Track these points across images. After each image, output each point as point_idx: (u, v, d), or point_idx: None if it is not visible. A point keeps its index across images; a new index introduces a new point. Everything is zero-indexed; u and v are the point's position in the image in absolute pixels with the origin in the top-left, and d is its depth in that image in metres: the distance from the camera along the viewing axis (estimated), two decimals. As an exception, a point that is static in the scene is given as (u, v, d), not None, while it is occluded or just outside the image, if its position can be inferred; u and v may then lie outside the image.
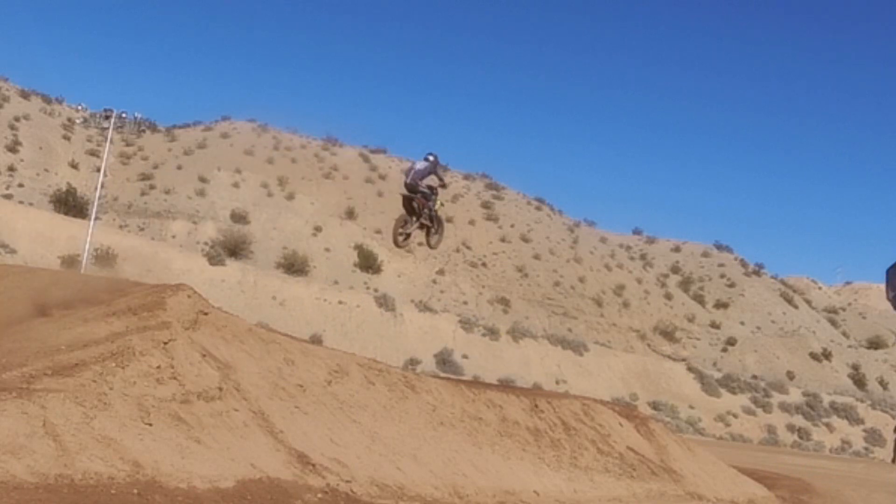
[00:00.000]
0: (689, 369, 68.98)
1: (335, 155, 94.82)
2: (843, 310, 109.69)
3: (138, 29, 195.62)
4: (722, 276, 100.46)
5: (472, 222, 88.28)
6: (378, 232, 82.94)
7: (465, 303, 75.97)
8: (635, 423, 17.19)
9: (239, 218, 76.43)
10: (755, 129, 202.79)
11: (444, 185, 15.60)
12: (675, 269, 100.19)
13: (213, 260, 55.78)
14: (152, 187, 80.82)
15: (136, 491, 7.54)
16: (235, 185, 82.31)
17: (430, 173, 15.11)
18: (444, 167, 16.31)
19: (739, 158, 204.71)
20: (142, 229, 71.52)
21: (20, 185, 76.87)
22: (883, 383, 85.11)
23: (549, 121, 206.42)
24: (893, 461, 41.69)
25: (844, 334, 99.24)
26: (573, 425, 15.29)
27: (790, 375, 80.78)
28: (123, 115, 55.64)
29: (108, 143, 51.90)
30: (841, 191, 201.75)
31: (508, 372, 54.47)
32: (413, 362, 50.23)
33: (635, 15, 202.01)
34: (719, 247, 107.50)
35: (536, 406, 15.12)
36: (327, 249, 76.97)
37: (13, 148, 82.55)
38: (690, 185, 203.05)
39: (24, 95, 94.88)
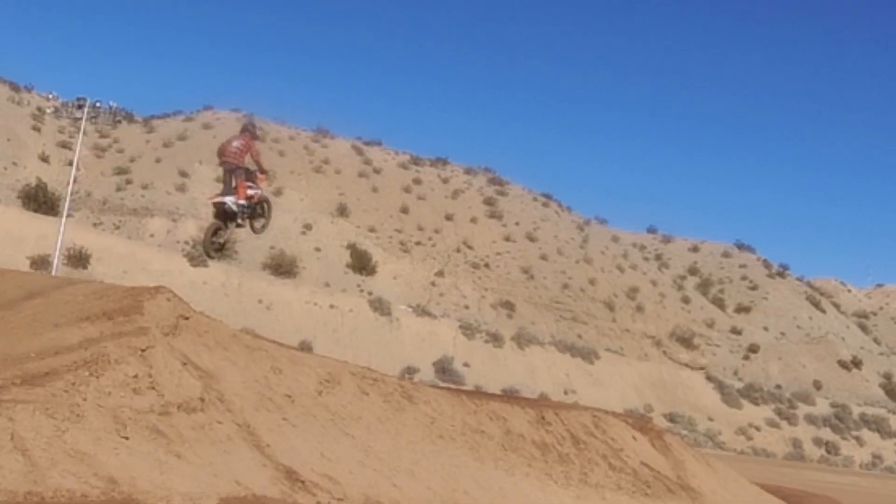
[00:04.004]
0: (708, 378, 69.02)
1: (326, 147, 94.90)
2: (875, 314, 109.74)
3: (114, 12, 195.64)
4: (743, 277, 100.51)
5: (473, 220, 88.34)
6: (372, 230, 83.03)
7: (467, 307, 76.01)
8: (650, 436, 17.22)
9: (222, 215, 76.45)
10: (779, 120, 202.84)
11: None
12: (693, 271, 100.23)
13: (195, 260, 55.77)
14: (129, 182, 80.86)
15: (111, 509, 7.55)
16: (219, 179, 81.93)
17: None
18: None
19: (762, 151, 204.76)
20: (117, 227, 71.53)
21: (-14, 180, 76.94)
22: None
23: (557, 110, 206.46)
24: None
25: (876, 340, 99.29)
26: (583, 439, 15.31)
27: (817, 385, 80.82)
28: (98, 105, 55.64)
29: (80, 135, 51.93)
30: (872, 186, 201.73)
31: (513, 381, 54.50)
32: (410, 371, 50.25)
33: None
34: (741, 246, 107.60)
35: (543, 418, 15.14)
36: (318, 249, 77.00)
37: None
38: (709, 179, 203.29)
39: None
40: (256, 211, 14.35)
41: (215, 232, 14.17)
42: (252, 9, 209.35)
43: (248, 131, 14.42)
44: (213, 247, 14.30)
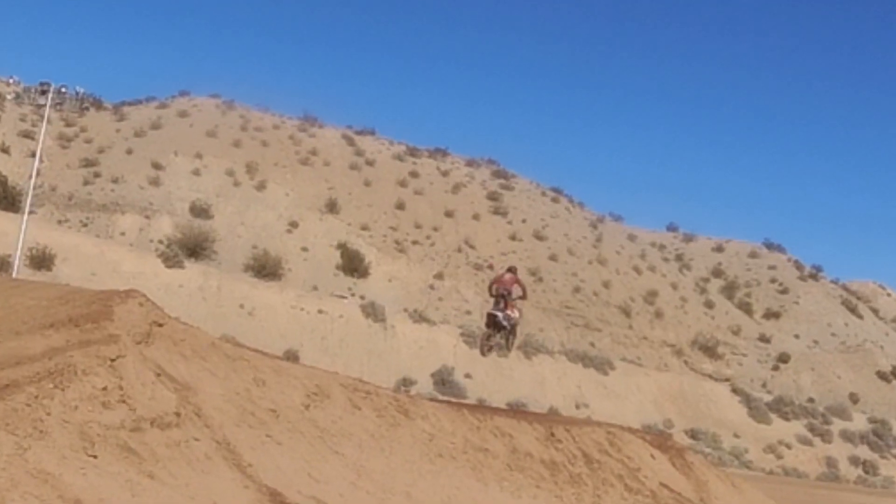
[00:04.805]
0: (734, 391, 69.07)
1: (314, 137, 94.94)
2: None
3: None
4: (773, 280, 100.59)
5: (476, 217, 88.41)
6: (365, 228, 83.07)
7: (469, 312, 76.02)
8: (670, 454, 17.26)
9: (200, 212, 76.51)
10: (811, 109, 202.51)
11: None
12: (718, 273, 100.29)
13: (170, 261, 55.84)
14: (97, 175, 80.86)
15: (77, 535, 7.55)
16: (196, 172, 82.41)
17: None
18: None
19: (793, 142, 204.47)
20: (85, 225, 71.55)
21: (-60, 173, 76.93)
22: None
23: (568, 97, 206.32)
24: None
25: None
26: (596, 458, 15.34)
27: (853, 398, 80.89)
28: (63, 90, 55.67)
29: (44, 124, 51.96)
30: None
31: (519, 394, 54.57)
32: (406, 383, 50.33)
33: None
34: (769, 246, 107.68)
35: (553, 435, 15.17)
36: (305, 249, 77.05)
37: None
38: (735, 173, 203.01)
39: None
40: (511, 331, 20.56)
41: (488, 337, 20.67)
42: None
43: (513, 272, 21.02)
44: (486, 347, 20.86)
